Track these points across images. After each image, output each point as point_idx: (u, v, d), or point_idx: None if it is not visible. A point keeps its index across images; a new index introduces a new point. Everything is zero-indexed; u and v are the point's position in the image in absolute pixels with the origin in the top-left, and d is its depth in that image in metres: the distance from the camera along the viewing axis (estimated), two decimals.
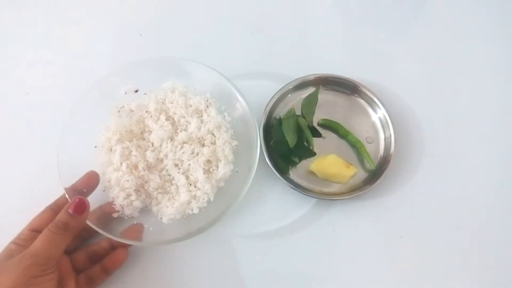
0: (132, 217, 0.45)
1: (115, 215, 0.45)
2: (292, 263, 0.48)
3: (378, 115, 0.55)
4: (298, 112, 0.54)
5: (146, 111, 0.50)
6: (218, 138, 0.48)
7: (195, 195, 0.46)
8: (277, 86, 0.55)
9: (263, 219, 0.50)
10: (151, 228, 0.45)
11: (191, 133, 0.48)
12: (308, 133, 0.52)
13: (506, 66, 0.61)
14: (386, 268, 0.48)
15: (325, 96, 0.57)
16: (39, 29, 0.64)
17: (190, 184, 0.46)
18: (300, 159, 0.52)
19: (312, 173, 0.51)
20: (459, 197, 0.52)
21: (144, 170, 0.46)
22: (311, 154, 0.52)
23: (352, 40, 0.64)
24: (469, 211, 0.51)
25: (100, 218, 0.43)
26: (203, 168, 0.46)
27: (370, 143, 0.54)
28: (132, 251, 0.47)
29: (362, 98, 0.56)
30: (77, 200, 0.40)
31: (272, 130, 0.53)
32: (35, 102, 0.58)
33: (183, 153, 0.47)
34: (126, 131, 0.48)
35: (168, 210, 0.45)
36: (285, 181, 0.49)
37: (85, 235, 0.46)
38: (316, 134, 0.53)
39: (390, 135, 0.53)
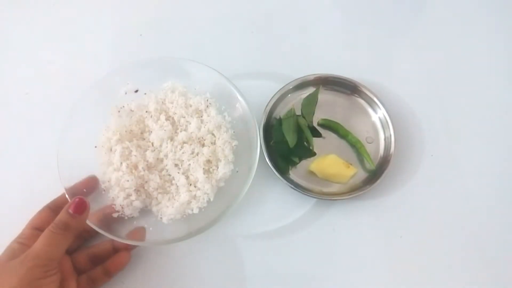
0: (132, 217, 0.45)
1: (115, 215, 0.45)
2: (292, 263, 0.48)
3: (378, 115, 0.55)
4: (298, 112, 0.54)
5: (146, 111, 0.50)
6: (218, 138, 0.48)
7: (195, 195, 0.46)
8: (277, 86, 0.55)
9: (263, 219, 0.50)
10: (151, 228, 0.45)
11: (191, 133, 0.48)
12: (308, 133, 0.52)
13: (506, 66, 0.61)
14: (386, 268, 0.48)
15: (325, 96, 0.57)
16: (39, 29, 0.64)
17: (190, 184, 0.46)
18: (300, 159, 0.52)
19: (312, 173, 0.51)
20: (459, 197, 0.52)
21: (144, 170, 0.46)
22: (311, 154, 0.52)
23: (352, 40, 0.64)
24: (469, 211, 0.51)
25: (102, 220, 0.43)
26: (203, 168, 0.46)
27: (370, 143, 0.54)
28: (132, 251, 0.47)
29: (362, 98, 0.56)
30: (77, 200, 0.40)
31: (272, 130, 0.53)
32: (35, 102, 0.58)
33: (183, 153, 0.47)
34: (126, 131, 0.48)
35: (168, 210, 0.45)
36: (285, 181, 0.49)
37: (85, 236, 0.46)
38: (316, 134, 0.53)
39: (390, 135, 0.53)
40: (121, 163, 0.46)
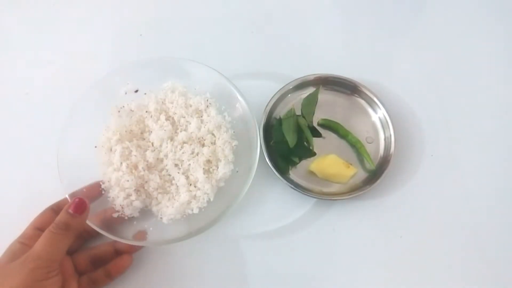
0: (132, 217, 0.45)
1: (115, 215, 0.44)
2: (292, 263, 0.48)
3: (378, 115, 0.55)
4: (298, 112, 0.55)
5: (146, 111, 0.50)
6: (218, 138, 0.48)
7: (195, 195, 0.46)
8: (277, 86, 0.55)
9: (263, 219, 0.50)
10: (151, 228, 0.46)
11: (191, 133, 0.48)
12: (308, 133, 0.52)
13: (506, 66, 0.61)
14: (386, 268, 0.48)
15: (325, 96, 0.57)
16: (39, 29, 0.64)
17: (190, 184, 0.46)
18: (300, 159, 0.52)
19: (312, 173, 0.52)
20: (459, 197, 0.52)
21: (144, 170, 0.46)
22: (311, 154, 0.52)
23: (352, 40, 0.64)
24: (469, 211, 0.51)
25: (104, 221, 0.43)
26: (203, 168, 0.46)
27: (370, 143, 0.54)
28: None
29: (362, 98, 0.56)
30: (77, 200, 0.40)
31: (272, 130, 0.53)
32: (35, 102, 0.58)
33: (183, 153, 0.47)
34: (126, 131, 0.48)
35: (168, 210, 0.45)
36: (285, 181, 0.49)
37: (86, 236, 0.46)
38: (316, 134, 0.53)
39: (390, 135, 0.53)
40: (121, 163, 0.46)
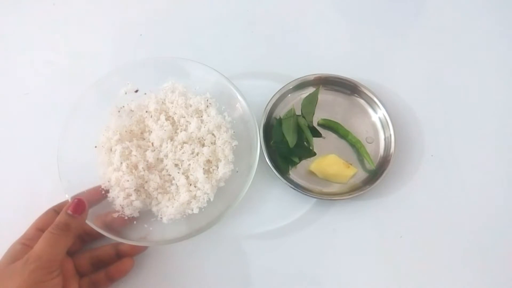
0: (132, 217, 0.45)
1: (115, 215, 0.44)
2: (292, 263, 0.48)
3: (378, 115, 0.55)
4: (298, 112, 0.55)
5: (146, 111, 0.50)
6: (218, 138, 0.48)
7: (195, 195, 0.46)
8: (277, 86, 0.55)
9: (263, 219, 0.50)
10: (151, 228, 0.45)
11: (191, 133, 0.48)
12: (308, 133, 0.52)
13: (506, 66, 0.61)
14: (386, 268, 0.48)
15: (325, 96, 0.57)
16: (39, 29, 0.64)
17: (190, 184, 0.46)
18: (300, 159, 0.52)
19: (312, 173, 0.51)
20: (459, 197, 0.52)
21: (144, 170, 0.46)
22: (311, 154, 0.52)
23: (352, 40, 0.64)
24: (469, 211, 0.51)
25: (104, 223, 0.43)
26: (203, 168, 0.46)
27: (370, 143, 0.54)
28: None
29: (362, 98, 0.56)
30: (76, 200, 0.40)
31: (272, 130, 0.53)
32: (35, 102, 0.58)
33: (183, 153, 0.47)
34: (126, 131, 0.48)
35: (168, 210, 0.45)
36: (285, 181, 0.49)
37: (87, 239, 0.46)
38: (316, 134, 0.53)
39: (390, 135, 0.53)
40: (121, 163, 0.46)
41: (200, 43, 0.63)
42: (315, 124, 0.55)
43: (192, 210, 0.46)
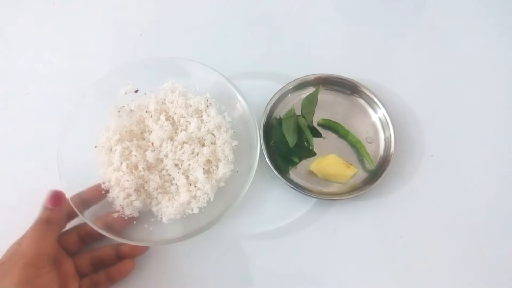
0: (132, 217, 0.45)
1: (115, 215, 0.45)
2: (292, 263, 0.48)
3: (378, 115, 0.55)
4: (298, 112, 0.55)
5: (146, 111, 0.50)
6: (218, 138, 0.48)
7: (195, 195, 0.46)
8: (277, 86, 0.55)
9: (263, 219, 0.50)
10: (151, 228, 0.45)
11: (191, 133, 0.48)
12: (308, 133, 0.52)
13: (506, 66, 0.61)
14: (386, 268, 0.48)
15: (325, 96, 0.57)
16: (39, 29, 0.64)
17: (190, 184, 0.46)
18: (300, 159, 0.52)
19: (312, 173, 0.51)
20: (459, 197, 0.52)
21: (144, 170, 0.46)
22: (311, 154, 0.52)
23: (352, 40, 0.64)
24: (469, 211, 0.51)
25: (105, 223, 0.43)
26: (203, 168, 0.46)
27: (370, 143, 0.54)
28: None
29: (362, 98, 0.56)
30: (51, 193, 0.40)
31: (272, 130, 0.53)
32: (35, 102, 0.58)
33: (183, 153, 0.47)
34: (126, 131, 0.48)
35: (168, 210, 0.45)
36: (285, 181, 0.49)
37: (87, 239, 0.46)
38: (316, 134, 0.53)
39: (390, 135, 0.53)
40: (121, 163, 0.46)
41: (200, 43, 0.63)
42: (315, 124, 0.55)
43: (192, 210, 0.46)
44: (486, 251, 0.49)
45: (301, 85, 0.56)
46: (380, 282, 0.47)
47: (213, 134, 0.49)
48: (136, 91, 0.51)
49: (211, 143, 0.48)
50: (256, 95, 0.54)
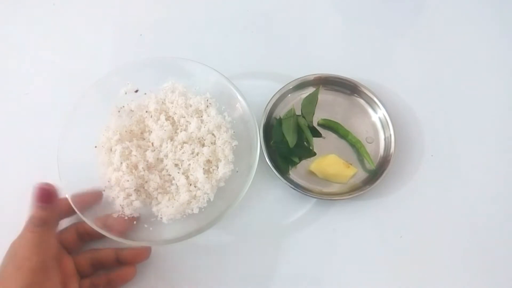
0: (132, 217, 0.45)
1: (115, 215, 0.44)
2: (292, 263, 0.48)
3: (378, 115, 0.55)
4: (298, 112, 0.55)
5: (146, 111, 0.50)
6: (218, 138, 0.48)
7: (195, 195, 0.46)
8: (277, 86, 0.55)
9: (263, 219, 0.50)
10: (151, 228, 0.45)
11: (191, 133, 0.48)
12: (308, 133, 0.52)
13: (506, 66, 0.61)
14: (386, 268, 0.48)
15: (325, 96, 0.57)
16: (39, 29, 0.64)
17: (190, 184, 0.46)
18: (300, 159, 0.52)
19: (312, 173, 0.51)
20: (459, 197, 0.52)
21: (144, 170, 0.46)
22: (311, 154, 0.52)
23: (352, 40, 0.64)
24: (469, 211, 0.51)
25: (105, 224, 0.43)
26: (203, 168, 0.46)
27: (370, 143, 0.54)
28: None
29: (362, 98, 0.56)
30: (40, 189, 0.37)
31: (272, 130, 0.53)
32: (35, 102, 0.58)
33: (183, 153, 0.47)
34: (126, 131, 0.48)
35: (168, 210, 0.45)
36: (285, 181, 0.49)
37: (86, 238, 0.45)
38: (316, 134, 0.53)
39: (390, 135, 0.53)
40: (121, 163, 0.46)
41: (200, 43, 0.63)
42: (315, 124, 0.55)
43: (192, 210, 0.46)
44: (486, 251, 0.49)
45: (301, 85, 0.56)
46: (380, 282, 0.47)
47: (213, 134, 0.49)
48: (136, 91, 0.51)
49: (211, 143, 0.48)
50: (256, 95, 0.54)
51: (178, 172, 0.47)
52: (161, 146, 0.48)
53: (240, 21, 0.64)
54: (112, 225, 0.43)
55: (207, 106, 0.50)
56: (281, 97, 0.56)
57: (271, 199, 0.51)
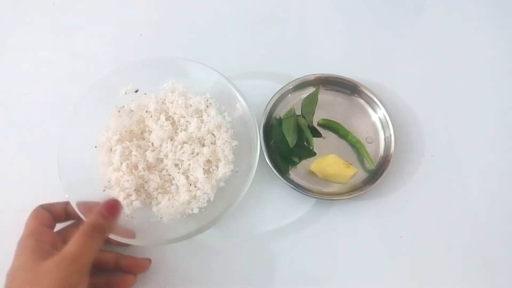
0: (132, 217, 0.45)
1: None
2: (292, 263, 0.48)
3: (378, 115, 0.55)
4: (298, 112, 0.55)
5: (146, 111, 0.50)
6: (218, 138, 0.48)
7: (195, 195, 0.46)
8: (277, 86, 0.55)
9: (263, 219, 0.50)
10: (151, 228, 0.45)
11: (191, 133, 0.48)
12: (308, 133, 0.52)
13: (506, 66, 0.61)
14: (386, 268, 0.48)
15: (325, 96, 0.57)
16: (39, 29, 0.64)
17: (190, 184, 0.46)
18: (300, 159, 0.52)
19: (312, 173, 0.51)
20: (459, 197, 0.52)
21: (144, 170, 0.46)
22: (311, 154, 0.52)
23: (352, 40, 0.64)
24: (469, 211, 0.51)
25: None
26: (203, 168, 0.47)
27: (370, 143, 0.54)
28: (133, 251, 0.47)
29: (362, 98, 0.56)
30: (111, 201, 0.39)
31: (272, 130, 0.53)
32: (35, 102, 0.58)
33: (183, 153, 0.47)
34: (126, 131, 0.48)
35: (168, 210, 0.45)
36: (285, 181, 0.49)
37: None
38: (316, 134, 0.53)
39: (390, 135, 0.53)
40: (121, 163, 0.46)
41: (200, 43, 0.63)
42: (315, 124, 0.55)
43: (192, 210, 0.46)
44: (486, 251, 0.49)
45: (301, 85, 0.56)
46: (380, 282, 0.47)
47: (213, 134, 0.49)
48: (136, 91, 0.51)
49: (211, 143, 0.48)
50: (256, 95, 0.54)
51: (178, 172, 0.47)
52: (161, 146, 0.48)
53: (240, 21, 0.65)
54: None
55: (207, 106, 0.50)
56: (281, 97, 0.56)
57: (271, 199, 0.51)
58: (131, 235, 0.43)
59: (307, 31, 0.64)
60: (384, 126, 0.54)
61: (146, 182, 0.46)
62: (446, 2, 0.67)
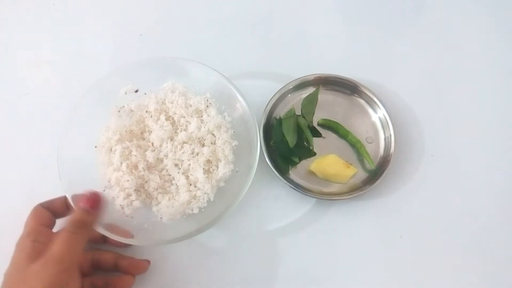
0: (132, 217, 0.45)
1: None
2: (292, 263, 0.48)
3: (378, 115, 0.55)
4: (298, 112, 0.55)
5: (146, 111, 0.50)
6: (218, 138, 0.48)
7: (195, 195, 0.46)
8: (277, 86, 0.55)
9: (263, 219, 0.50)
10: (151, 228, 0.45)
11: (191, 133, 0.48)
12: (308, 133, 0.52)
13: (506, 66, 0.61)
14: (386, 268, 0.48)
15: (325, 96, 0.57)
16: (39, 29, 0.64)
17: (190, 184, 0.46)
18: (300, 159, 0.52)
19: (312, 173, 0.51)
20: (459, 197, 0.52)
21: (144, 170, 0.46)
22: (311, 154, 0.52)
23: (352, 40, 0.64)
24: (469, 211, 0.51)
25: (106, 225, 0.43)
26: (203, 168, 0.47)
27: (370, 143, 0.54)
28: (132, 251, 0.47)
29: (362, 98, 0.56)
30: (88, 194, 0.39)
31: (272, 130, 0.53)
32: (35, 102, 0.58)
33: (183, 153, 0.47)
34: (126, 131, 0.48)
35: (168, 210, 0.45)
36: (285, 181, 0.49)
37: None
38: (316, 134, 0.53)
39: (390, 135, 0.53)
40: (121, 163, 0.46)
41: (200, 43, 0.63)
42: (315, 124, 0.55)
43: (192, 210, 0.46)
44: (486, 251, 0.49)
45: (301, 85, 0.56)
46: (380, 282, 0.47)
47: (213, 134, 0.49)
48: (136, 91, 0.51)
49: (211, 143, 0.48)
50: (256, 95, 0.54)
51: (178, 172, 0.47)
52: (161, 146, 0.48)
53: (240, 21, 0.65)
54: (112, 227, 0.43)
55: (207, 106, 0.50)
56: (281, 97, 0.56)
57: (271, 199, 0.51)
58: (130, 235, 0.43)
59: (307, 31, 0.64)
60: (384, 126, 0.54)
61: (146, 182, 0.46)
62: (446, 2, 0.67)
